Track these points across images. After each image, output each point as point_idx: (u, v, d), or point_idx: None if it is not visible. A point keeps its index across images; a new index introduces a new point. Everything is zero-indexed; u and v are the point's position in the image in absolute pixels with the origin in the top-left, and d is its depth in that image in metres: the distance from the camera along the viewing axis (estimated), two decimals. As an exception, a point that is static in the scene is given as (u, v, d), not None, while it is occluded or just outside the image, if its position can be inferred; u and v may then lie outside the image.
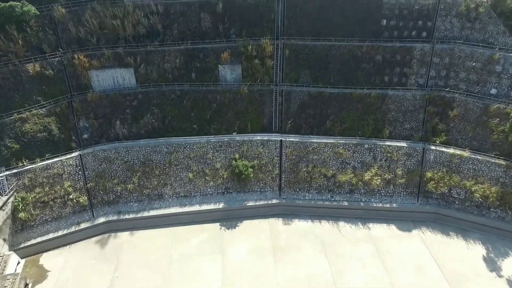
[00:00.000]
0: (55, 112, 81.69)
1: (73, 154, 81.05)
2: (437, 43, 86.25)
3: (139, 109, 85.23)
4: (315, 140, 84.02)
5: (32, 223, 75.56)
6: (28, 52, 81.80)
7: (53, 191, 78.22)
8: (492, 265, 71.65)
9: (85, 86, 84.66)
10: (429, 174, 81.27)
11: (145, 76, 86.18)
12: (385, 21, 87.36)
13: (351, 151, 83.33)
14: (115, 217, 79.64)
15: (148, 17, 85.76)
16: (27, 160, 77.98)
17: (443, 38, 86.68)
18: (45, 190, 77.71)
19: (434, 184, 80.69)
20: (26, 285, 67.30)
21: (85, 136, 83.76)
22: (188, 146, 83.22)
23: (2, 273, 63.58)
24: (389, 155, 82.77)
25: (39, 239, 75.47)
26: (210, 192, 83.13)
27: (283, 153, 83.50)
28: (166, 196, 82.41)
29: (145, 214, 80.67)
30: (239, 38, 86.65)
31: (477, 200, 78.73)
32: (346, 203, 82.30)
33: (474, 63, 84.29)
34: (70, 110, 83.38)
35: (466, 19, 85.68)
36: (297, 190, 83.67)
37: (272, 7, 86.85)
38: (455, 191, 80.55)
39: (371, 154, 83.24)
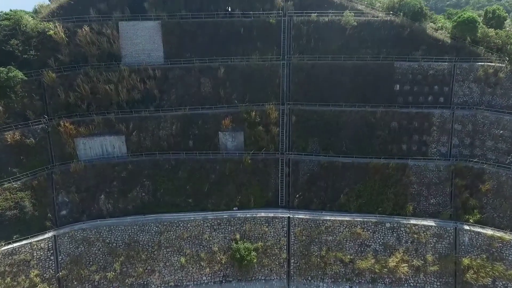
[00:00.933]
0: (32, 186, 54.98)
1: (46, 235, 53.24)
2: (457, 109, 60.29)
3: (128, 181, 58.08)
4: (328, 218, 56.01)
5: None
6: (10, 119, 56.79)
7: (15, 283, 49.34)
8: None
9: (70, 155, 58.27)
10: (466, 261, 52.52)
11: (137, 144, 59.83)
12: (398, 86, 62.21)
13: (370, 231, 54.91)
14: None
15: (144, 82, 61.02)
16: (-15, 244, 50.15)
17: (462, 103, 61.03)
18: (5, 282, 48.97)
19: (473, 273, 51.85)
20: None
21: (64, 212, 56.22)
22: (181, 224, 55.17)
23: None
24: (415, 236, 54.35)
25: None
26: (205, 281, 54.15)
27: (292, 233, 55.21)
28: (153, 287, 53.02)
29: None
30: (242, 103, 61.40)
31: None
32: (368, 296, 52.68)
33: (501, 131, 58.06)
34: (49, 182, 56.53)
35: (485, 84, 60.58)
36: (309, 278, 54.49)
37: (277, 71, 62.21)
38: (500, 283, 51.04)
39: (395, 234, 54.73)
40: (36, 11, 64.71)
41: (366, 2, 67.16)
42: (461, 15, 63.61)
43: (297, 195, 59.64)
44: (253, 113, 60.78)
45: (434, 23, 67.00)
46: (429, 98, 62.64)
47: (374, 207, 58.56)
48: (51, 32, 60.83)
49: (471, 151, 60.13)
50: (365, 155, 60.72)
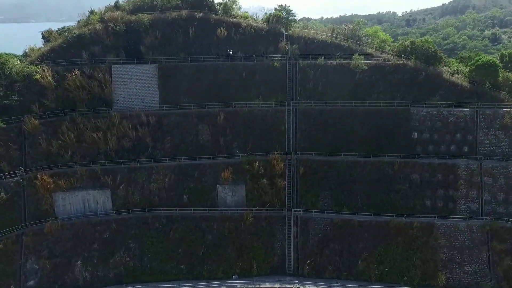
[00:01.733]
0: (-6, 250, 36.24)
1: (2, 316, 34.01)
2: (485, 159, 42.43)
3: (111, 243, 39.84)
4: (346, 292, 36.73)
5: None
6: (-19, 172, 38.68)
7: None
8: None
9: (45, 212, 40.49)
10: None
11: (124, 199, 41.96)
12: (416, 133, 44.80)
13: (399, 310, 35.53)
14: None
15: (136, 129, 44.05)
16: None
17: (490, 153, 43.41)
18: None
19: None
20: None
21: (31, 283, 37.54)
22: (169, 300, 36.06)
23: None
24: (455, 317, 34.70)
25: None
26: None
27: (303, 313, 35.83)
28: None
29: None
30: (243, 153, 43.97)
31: None
32: None
33: (540, 185, 39.47)
34: (17, 246, 38.24)
35: (513, 131, 42.80)
36: None
37: (282, 117, 45.29)
38: None
39: (430, 315, 35.24)
40: (26, 54, 48.99)
41: (375, 46, 51.16)
42: (480, 59, 47.44)
43: (308, 261, 40.90)
44: (256, 163, 43.30)
45: (449, 67, 50.58)
46: (452, 147, 45.11)
47: (399, 275, 39.66)
48: (38, 76, 44.80)
49: (507, 208, 41.91)
50: (384, 212, 42.51)
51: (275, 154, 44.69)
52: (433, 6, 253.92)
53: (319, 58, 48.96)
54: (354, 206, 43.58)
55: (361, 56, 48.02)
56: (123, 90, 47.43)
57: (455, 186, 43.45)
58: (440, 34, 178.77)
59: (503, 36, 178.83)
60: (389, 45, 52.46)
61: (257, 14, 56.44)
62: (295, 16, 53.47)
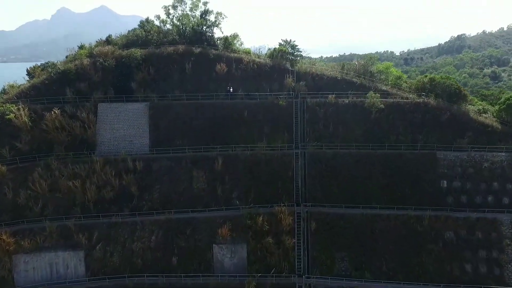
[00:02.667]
0: None
1: None
2: None
3: (79, 322, 30.88)
4: None
5: None
6: None
7: None
8: None
9: (2, 281, 31.68)
10: None
11: (100, 262, 34.06)
12: (445, 182, 37.73)
13: None
14: None
15: (120, 176, 37.10)
16: None
17: None
18: None
19: None
20: None
21: None
22: None
23: None
24: None
25: None
26: None
27: None
28: None
29: None
30: (244, 204, 36.78)
31: None
32: None
33: None
34: None
35: (557, 179, 35.56)
36: None
37: (289, 162, 38.49)
38: None
39: None
40: (4, 91, 43.20)
41: (390, 83, 45.54)
42: (511, 97, 41.28)
43: None
44: (260, 218, 35.78)
45: (473, 105, 44.55)
46: (489, 198, 37.79)
47: None
48: (11, 115, 38.69)
49: None
50: (415, 279, 34.17)
51: (281, 206, 37.30)
52: (429, 46, 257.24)
53: (330, 96, 43.11)
54: (377, 270, 35.37)
55: (377, 94, 42.09)
56: (109, 131, 41.04)
57: (499, 246, 35.52)
58: (440, 72, 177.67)
59: (502, 74, 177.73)
60: (405, 82, 46.82)
61: (260, 50, 51.62)
62: (301, 52, 48.50)
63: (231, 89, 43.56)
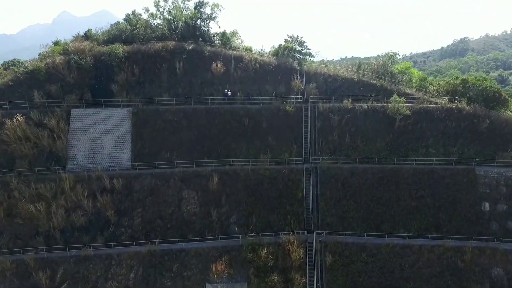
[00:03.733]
0: None
1: None
2: None
3: None
4: None
5: None
6: None
7: None
8: None
9: None
10: None
11: (65, 308, 25.99)
12: (487, 204, 30.42)
13: None
14: None
15: (94, 197, 29.35)
16: None
17: None
18: None
19: None
20: None
21: None
22: None
23: None
24: None
25: None
26: None
27: None
28: None
29: None
30: (245, 232, 29.28)
31: None
32: None
33: None
34: None
35: None
36: None
37: (299, 180, 31.27)
38: None
39: None
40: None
41: (414, 85, 38.24)
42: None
43: None
44: (263, 250, 28.52)
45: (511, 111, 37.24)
46: (544, 225, 30.05)
47: None
48: (-37, 123, 31.03)
49: None
50: (458, 329, 26.39)
51: (289, 234, 29.87)
52: (432, 49, 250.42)
53: (345, 100, 35.81)
54: (410, 317, 27.73)
55: (402, 98, 34.75)
56: (83, 142, 33.74)
57: (560, 287, 27.87)
58: (445, 76, 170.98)
59: (510, 77, 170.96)
60: (432, 84, 39.55)
61: (263, 49, 44.44)
62: (309, 49, 41.33)
63: (229, 92, 36.33)
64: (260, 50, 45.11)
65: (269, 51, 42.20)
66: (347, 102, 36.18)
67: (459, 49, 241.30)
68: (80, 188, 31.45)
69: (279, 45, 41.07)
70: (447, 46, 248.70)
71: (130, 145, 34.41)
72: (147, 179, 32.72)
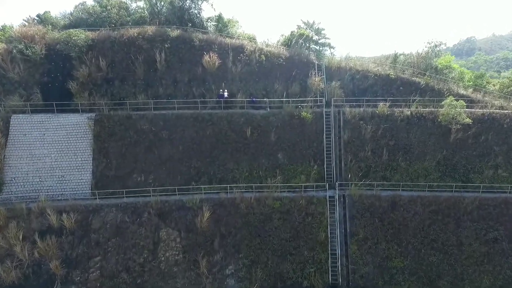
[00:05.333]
0: None
1: None
2: None
3: None
4: None
5: None
6: None
7: None
8: None
9: None
10: None
11: None
12: None
13: None
14: None
15: (34, 242, 19.54)
16: None
17: None
18: None
19: None
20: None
21: None
22: None
23: None
24: None
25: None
26: None
27: None
28: None
29: None
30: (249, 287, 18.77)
31: None
32: None
33: None
34: None
35: None
36: None
37: (320, 213, 22.24)
38: None
39: None
40: None
41: (468, 84, 28.22)
42: None
43: None
44: (274, 322, 18.19)
45: None
46: None
47: None
48: None
49: None
50: None
51: (311, 294, 19.89)
52: (438, 49, 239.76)
53: (380, 104, 25.86)
54: None
55: (460, 101, 24.80)
56: (26, 160, 24.00)
57: None
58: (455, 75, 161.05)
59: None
60: (492, 84, 29.62)
61: (268, 39, 34.23)
62: (329, 39, 31.44)
63: (226, 93, 26.55)
64: (265, 41, 35.00)
65: (278, 41, 32.23)
66: (382, 107, 26.36)
67: (465, 48, 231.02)
68: (14, 227, 21.67)
69: (291, 32, 31.22)
70: (453, 45, 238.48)
71: (91, 164, 24.62)
72: (111, 213, 22.90)
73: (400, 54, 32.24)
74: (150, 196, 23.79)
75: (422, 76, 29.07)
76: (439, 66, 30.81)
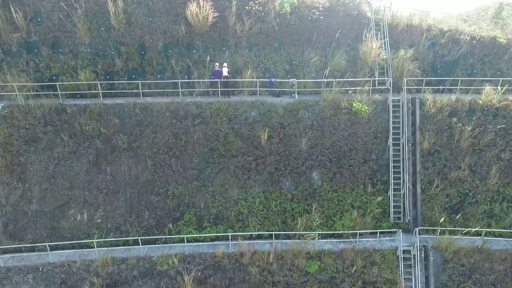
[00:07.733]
0: None
1: None
2: None
3: None
4: None
5: None
6: None
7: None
8: None
9: None
10: None
11: None
12: None
13: None
14: None
15: None
16: None
17: None
18: None
19: None
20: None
21: None
22: None
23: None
24: None
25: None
26: None
27: None
28: None
29: None
30: None
31: None
32: None
33: None
34: None
35: None
36: None
37: (392, 282, 9.41)
38: None
39: None
40: None
41: None
42: None
43: None
44: None
45: None
46: None
47: None
48: None
49: None
50: None
51: None
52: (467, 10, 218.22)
53: (486, 87, 14.07)
54: None
55: None
56: None
57: None
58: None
59: None
60: None
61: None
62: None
63: (226, 69, 14.92)
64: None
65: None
66: (489, 93, 14.79)
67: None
68: None
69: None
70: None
71: (-4, 192, 13.66)
72: (24, 285, 12.30)
73: (507, 4, 19.99)
74: (94, 249, 13.12)
75: (547, 41, 17.14)
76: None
